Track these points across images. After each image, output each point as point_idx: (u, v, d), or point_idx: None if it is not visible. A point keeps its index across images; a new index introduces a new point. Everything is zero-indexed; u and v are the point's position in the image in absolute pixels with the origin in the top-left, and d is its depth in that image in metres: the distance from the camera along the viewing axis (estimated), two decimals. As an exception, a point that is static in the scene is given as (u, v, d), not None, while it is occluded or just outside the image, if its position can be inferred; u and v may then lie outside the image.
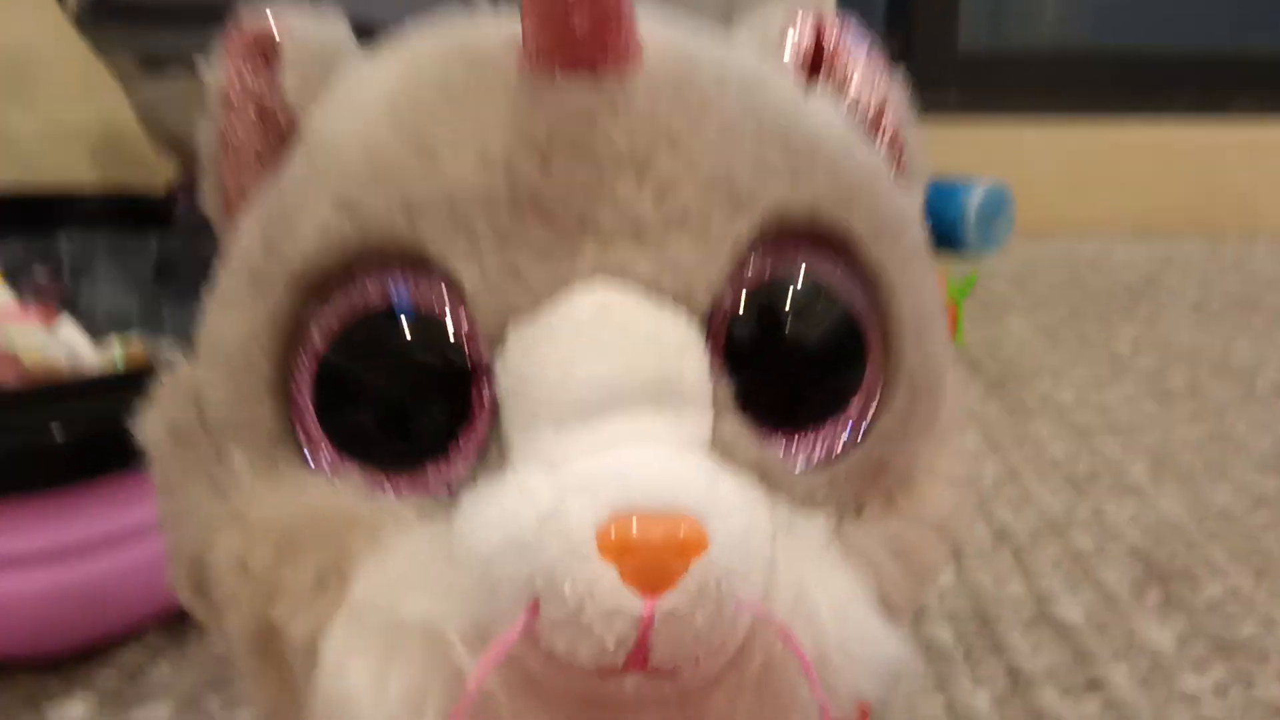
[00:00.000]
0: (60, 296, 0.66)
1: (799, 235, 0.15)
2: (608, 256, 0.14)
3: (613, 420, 0.13)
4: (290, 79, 0.17)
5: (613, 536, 0.12)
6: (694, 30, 0.17)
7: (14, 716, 0.32)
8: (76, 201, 0.72)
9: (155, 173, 0.75)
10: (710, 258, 0.14)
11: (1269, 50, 1.31)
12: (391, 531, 0.14)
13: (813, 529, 0.15)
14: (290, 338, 0.15)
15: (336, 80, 0.17)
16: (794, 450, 0.15)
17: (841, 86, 0.18)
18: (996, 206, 1.05)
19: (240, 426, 0.15)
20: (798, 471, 0.15)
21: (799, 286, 0.15)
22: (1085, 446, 0.54)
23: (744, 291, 0.15)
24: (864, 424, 0.16)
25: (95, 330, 0.54)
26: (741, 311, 0.15)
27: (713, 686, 0.13)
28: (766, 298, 0.15)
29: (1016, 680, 0.34)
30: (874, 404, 0.16)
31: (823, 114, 0.17)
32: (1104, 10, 1.38)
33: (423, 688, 0.13)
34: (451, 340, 0.14)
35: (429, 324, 0.14)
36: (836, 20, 0.19)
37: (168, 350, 0.55)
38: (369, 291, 0.14)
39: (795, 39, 0.19)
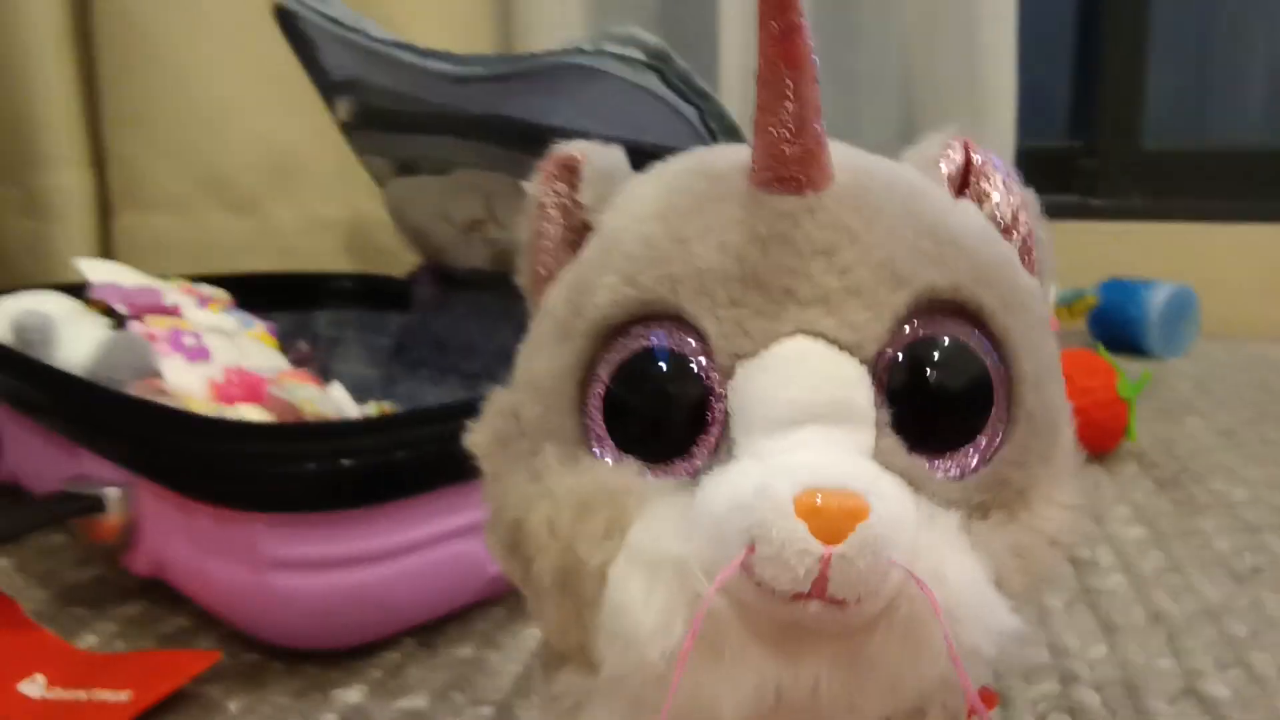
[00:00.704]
0: (317, 365, 0.77)
1: (946, 306, 0.21)
2: (804, 317, 0.20)
3: (804, 430, 0.20)
4: (587, 192, 0.24)
5: (804, 502, 0.18)
6: (870, 155, 0.24)
7: (304, 696, 0.40)
8: (331, 284, 0.84)
9: (398, 260, 0.86)
10: (876, 320, 0.20)
11: None
12: (655, 500, 0.20)
13: (948, 521, 0.20)
14: (587, 371, 0.21)
15: (619, 192, 0.24)
16: (935, 466, 0.21)
17: (983, 197, 0.24)
18: (1182, 309, 1.05)
19: (551, 432, 0.22)
20: (937, 480, 0.21)
21: (943, 344, 0.21)
22: (1252, 542, 0.56)
23: (902, 346, 0.21)
24: (990, 451, 0.21)
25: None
26: (900, 360, 0.21)
27: (870, 628, 0.19)
28: (918, 351, 0.21)
29: (1158, 741, 0.37)
30: (999, 437, 0.21)
31: (967, 216, 0.23)
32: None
33: (674, 603, 0.19)
34: (696, 373, 0.21)
35: (682, 362, 0.21)
36: (981, 148, 0.25)
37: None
38: (642, 339, 0.21)
39: (949, 159, 0.25)
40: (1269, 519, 0.59)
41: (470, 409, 0.45)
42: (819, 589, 0.18)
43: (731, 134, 0.54)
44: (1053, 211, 1.02)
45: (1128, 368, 0.71)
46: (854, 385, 0.20)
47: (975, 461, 0.21)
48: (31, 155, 0.90)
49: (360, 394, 0.71)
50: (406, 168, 0.77)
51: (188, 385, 0.56)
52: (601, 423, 0.22)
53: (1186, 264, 1.15)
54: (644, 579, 0.19)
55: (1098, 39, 1.29)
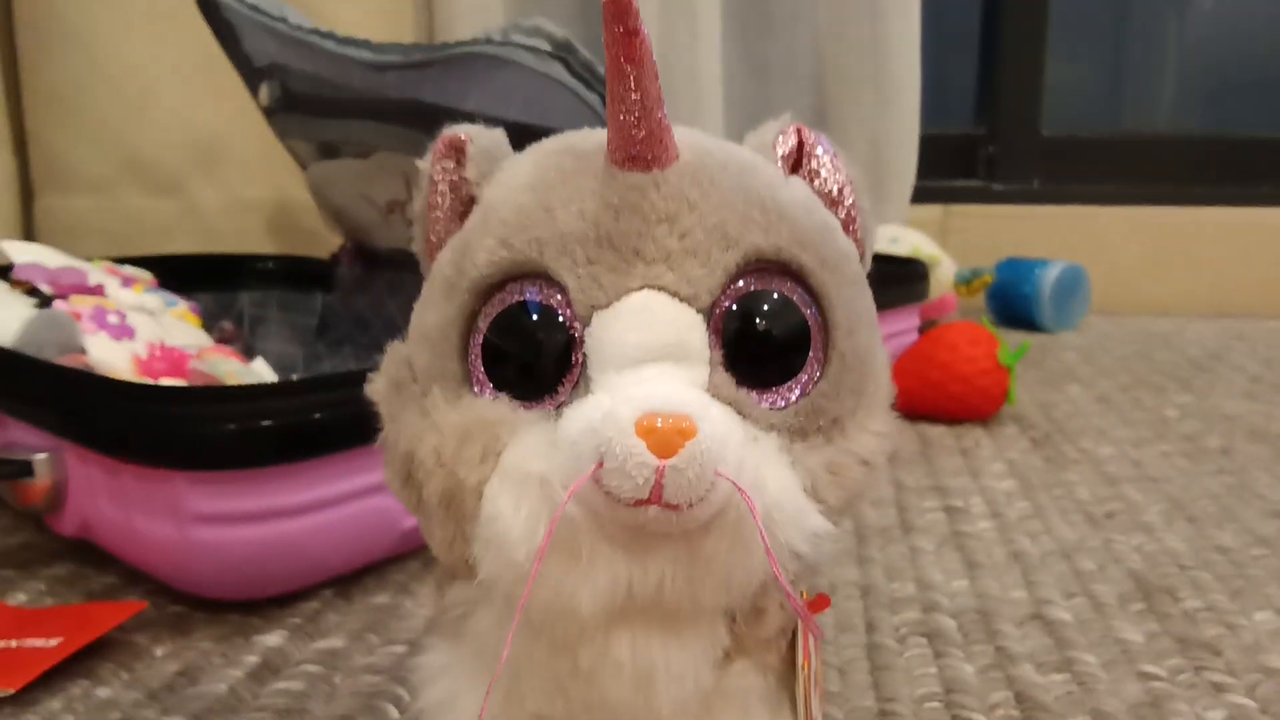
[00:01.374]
0: (242, 344, 0.79)
1: (771, 265, 0.25)
2: (650, 273, 0.24)
3: (649, 368, 0.23)
4: (472, 168, 0.27)
5: (643, 424, 0.21)
6: (712, 138, 0.27)
7: (227, 640, 0.43)
8: (255, 264, 0.86)
9: (321, 241, 0.88)
10: (710, 275, 0.24)
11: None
12: (524, 428, 0.23)
13: (769, 442, 0.24)
14: (469, 323, 0.25)
15: (499, 168, 0.27)
16: (760, 398, 0.24)
17: (813, 175, 0.28)
18: (1072, 286, 1.12)
19: (438, 376, 0.25)
20: (762, 409, 0.24)
21: (768, 296, 0.25)
22: (1111, 492, 0.61)
23: (734, 297, 0.24)
24: (809, 386, 0.25)
25: (274, 367, 0.65)
26: (731, 309, 0.24)
27: (705, 531, 0.22)
28: (747, 302, 0.24)
29: (1002, 658, 0.42)
30: (817, 374, 0.25)
31: (793, 190, 0.27)
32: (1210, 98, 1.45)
33: (538, 512, 0.22)
34: (561, 322, 0.24)
35: (548, 312, 0.24)
36: (813, 133, 0.29)
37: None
38: (516, 294, 0.25)
39: (783, 142, 0.28)
40: (1129, 472, 0.65)
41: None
42: (656, 495, 0.22)
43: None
44: (956, 195, 1.11)
45: (1012, 339, 0.76)
46: (690, 330, 0.24)
47: (796, 395, 0.25)
48: (-50, 139, 0.91)
49: (285, 371, 0.73)
50: (328, 151, 0.79)
51: (112, 360, 0.58)
52: (481, 367, 0.25)
53: (1081, 245, 1.22)
54: (513, 493, 0.23)
55: (1000, 30, 1.35)
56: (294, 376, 0.77)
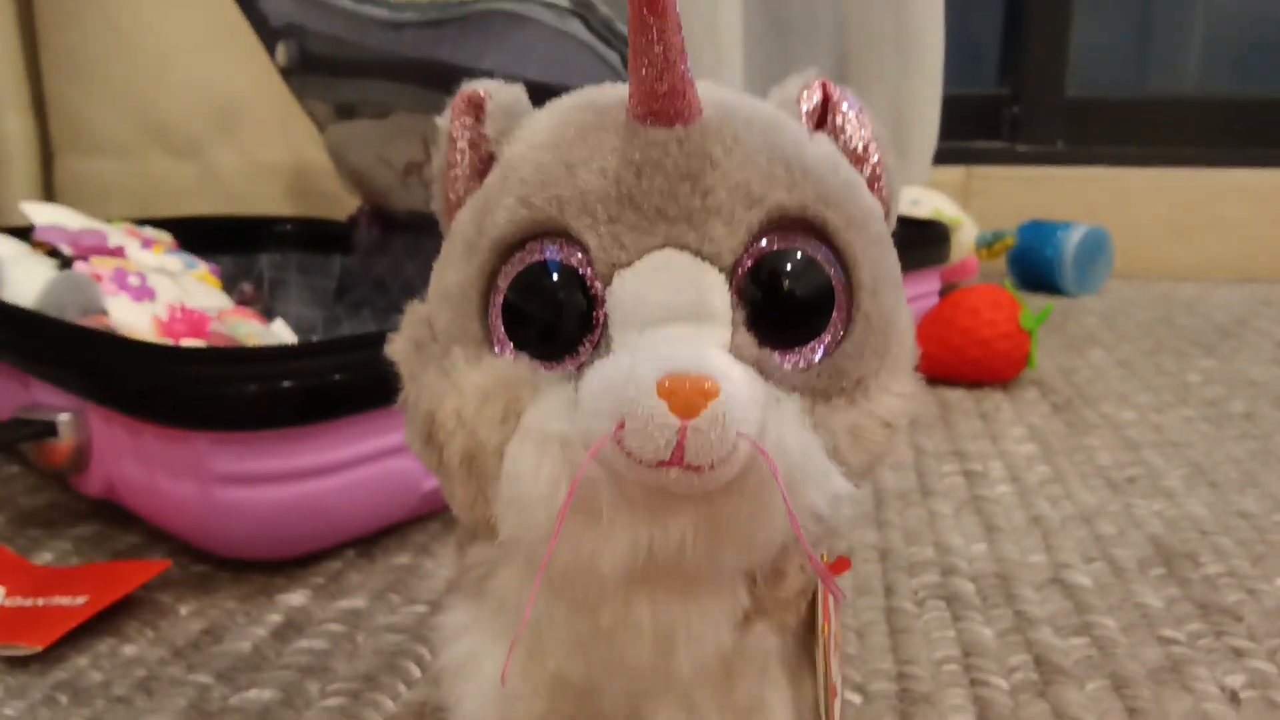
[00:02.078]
0: (262, 306, 0.80)
1: (795, 224, 0.24)
2: (672, 232, 0.23)
3: (670, 327, 0.23)
4: (491, 125, 0.27)
5: (665, 385, 0.21)
6: (735, 93, 0.27)
7: (251, 600, 0.43)
8: (274, 227, 0.86)
9: (339, 204, 0.88)
10: (732, 235, 0.23)
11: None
12: (544, 389, 0.23)
13: (791, 403, 0.24)
14: (488, 281, 0.25)
15: (519, 125, 0.27)
16: (783, 359, 0.24)
17: (838, 131, 0.28)
18: (1095, 249, 1.10)
19: (459, 336, 0.25)
20: (784, 370, 0.24)
21: (792, 255, 0.24)
22: (1132, 457, 0.61)
23: (757, 256, 0.24)
24: (832, 347, 0.25)
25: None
26: (754, 268, 0.24)
27: (726, 492, 0.22)
28: (770, 261, 0.24)
29: (1021, 621, 0.42)
30: (840, 334, 0.25)
31: (819, 146, 0.26)
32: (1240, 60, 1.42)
33: (558, 472, 0.22)
34: (582, 281, 0.24)
35: (569, 272, 0.24)
36: (838, 88, 0.28)
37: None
38: (536, 253, 0.24)
39: (808, 98, 0.28)
40: (1150, 437, 0.64)
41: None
42: (678, 457, 0.22)
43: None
44: (979, 157, 1.09)
45: (1034, 303, 0.76)
46: (712, 289, 0.24)
47: (819, 356, 0.25)
48: (-30, 101, 0.91)
49: (304, 334, 0.73)
50: (346, 111, 0.78)
51: (133, 322, 0.59)
52: (501, 327, 0.25)
53: (1104, 208, 1.21)
54: (534, 453, 0.23)
55: (1025, -10, 1.32)
56: (313, 338, 0.77)
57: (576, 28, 0.57)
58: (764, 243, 0.24)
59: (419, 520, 0.51)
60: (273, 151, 0.98)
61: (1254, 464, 0.60)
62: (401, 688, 0.37)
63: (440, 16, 0.63)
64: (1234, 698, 0.36)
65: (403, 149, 0.75)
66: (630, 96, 0.24)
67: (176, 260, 0.68)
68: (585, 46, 0.58)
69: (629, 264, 0.24)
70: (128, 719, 0.35)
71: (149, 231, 0.70)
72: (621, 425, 0.21)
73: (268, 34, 0.77)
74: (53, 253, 0.64)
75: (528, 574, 0.25)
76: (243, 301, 0.80)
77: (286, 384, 0.43)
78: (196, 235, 0.75)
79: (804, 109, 0.27)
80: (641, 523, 0.23)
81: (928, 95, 1.13)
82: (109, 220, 0.70)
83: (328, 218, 0.88)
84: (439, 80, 0.68)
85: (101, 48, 0.90)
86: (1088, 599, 0.43)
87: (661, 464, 0.22)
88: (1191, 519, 0.52)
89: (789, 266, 0.25)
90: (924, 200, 1.04)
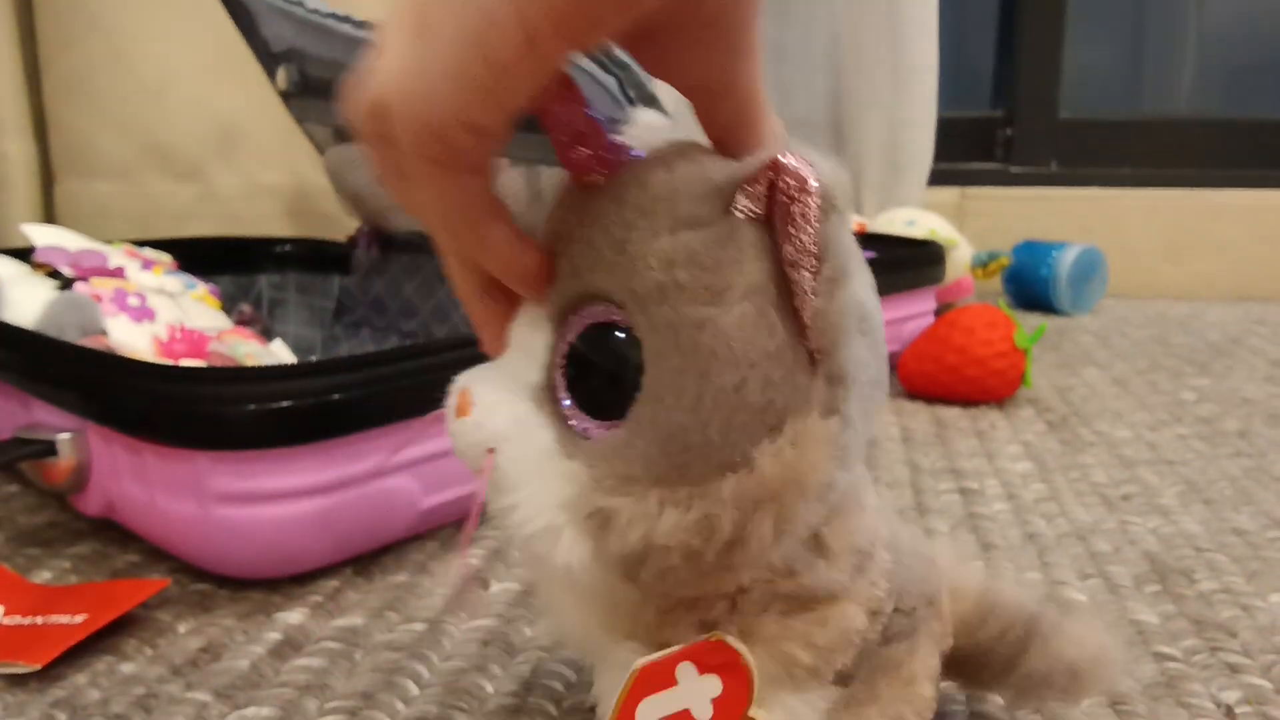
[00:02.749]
0: (261, 326, 0.80)
1: (604, 303, 0.25)
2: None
3: (509, 354, 0.27)
4: None
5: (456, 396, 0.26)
6: (667, 155, 0.26)
7: (249, 618, 0.44)
8: (273, 248, 0.86)
9: (338, 225, 0.88)
10: (561, 298, 0.26)
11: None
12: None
13: (544, 436, 0.25)
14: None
15: None
16: (567, 409, 0.26)
17: (778, 230, 0.24)
18: (1089, 268, 1.11)
19: None
20: (564, 413, 0.26)
21: (590, 332, 0.26)
22: (1127, 474, 0.61)
23: (576, 324, 0.26)
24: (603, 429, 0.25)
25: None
26: (568, 333, 0.26)
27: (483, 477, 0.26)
28: (581, 332, 0.26)
29: (1017, 638, 0.42)
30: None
31: (679, 240, 0.24)
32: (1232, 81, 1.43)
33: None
34: None
35: None
36: (800, 178, 0.24)
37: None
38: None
39: (758, 182, 0.25)
40: (1145, 454, 0.65)
41: (397, 357, 0.49)
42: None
43: (649, 102, 0.57)
44: (973, 178, 1.10)
45: (1029, 322, 0.76)
46: (538, 331, 0.27)
47: (593, 429, 0.25)
48: (-28, 124, 0.91)
49: (303, 353, 0.73)
50: (345, 134, 0.79)
51: (133, 342, 0.59)
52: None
53: (1098, 228, 1.22)
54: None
55: (1019, 14, 1.34)
56: (312, 358, 0.77)
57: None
58: (581, 315, 0.26)
59: (417, 539, 0.51)
60: (272, 173, 0.98)
61: (1248, 481, 0.60)
62: (400, 705, 0.37)
63: (439, 40, 0.64)
64: (1229, 713, 0.36)
65: (401, 171, 0.75)
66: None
67: (176, 281, 0.69)
68: (582, 71, 0.59)
69: None
70: (126, 737, 0.35)
71: (149, 252, 0.71)
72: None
73: (268, 59, 0.78)
74: (53, 274, 0.64)
75: None
76: (242, 322, 0.80)
77: (285, 404, 0.43)
78: (196, 256, 0.76)
79: (743, 200, 0.24)
80: None
81: (922, 118, 1.14)
82: (109, 241, 0.70)
83: (326, 239, 0.89)
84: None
85: (102, 71, 0.90)
86: (1084, 616, 0.44)
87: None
88: (1186, 536, 0.52)
89: (584, 340, 0.26)
90: (919, 221, 1.05)
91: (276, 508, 0.44)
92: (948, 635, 0.32)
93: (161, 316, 0.63)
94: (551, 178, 0.27)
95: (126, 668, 0.39)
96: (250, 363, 0.58)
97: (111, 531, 0.50)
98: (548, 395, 0.26)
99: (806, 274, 0.23)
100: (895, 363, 0.76)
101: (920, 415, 0.71)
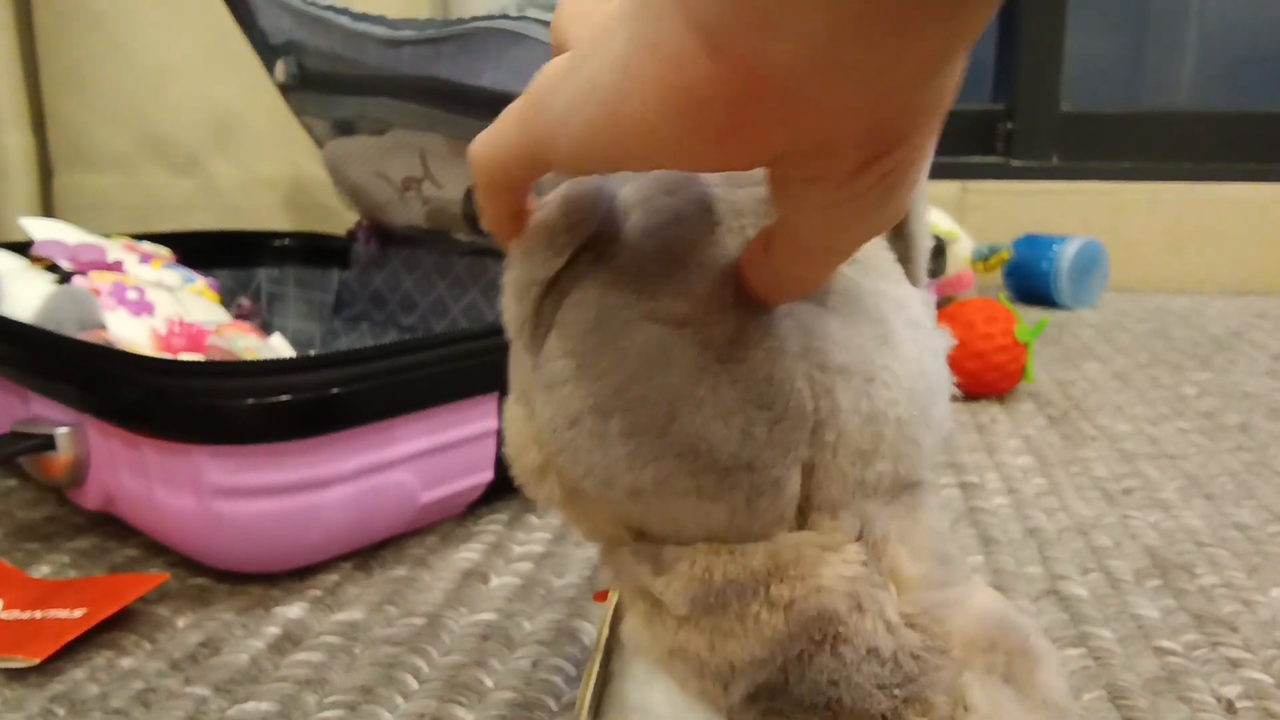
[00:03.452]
0: (259, 320, 0.80)
1: None
2: None
3: None
4: None
5: None
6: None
7: (248, 612, 0.43)
8: (272, 241, 0.86)
9: (338, 218, 0.88)
10: None
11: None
12: None
13: None
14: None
15: None
16: None
17: None
18: (1090, 262, 1.11)
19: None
20: None
21: None
22: (1128, 469, 0.61)
23: None
24: None
25: (295, 341, 0.65)
26: None
27: None
28: None
29: (1018, 632, 0.42)
30: None
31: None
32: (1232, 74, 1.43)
33: None
34: None
35: None
36: None
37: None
38: None
39: None
40: (1146, 449, 0.64)
41: (395, 351, 0.49)
42: None
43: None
44: (974, 172, 1.09)
45: (1030, 316, 0.76)
46: None
47: None
48: (-30, 117, 0.91)
49: (302, 347, 0.73)
50: (344, 128, 0.79)
51: (131, 336, 0.59)
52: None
53: (1099, 221, 1.21)
54: None
55: (1020, 7, 1.33)
56: (311, 352, 0.77)
57: (573, 44, 0.58)
58: None
59: (416, 533, 0.51)
60: (271, 166, 0.98)
61: (1249, 476, 0.60)
62: (399, 700, 0.37)
63: (438, 34, 0.63)
64: (1230, 708, 0.36)
65: (400, 165, 0.75)
66: None
67: (174, 275, 0.69)
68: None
69: None
70: (125, 732, 0.35)
71: (147, 246, 0.71)
72: None
73: (267, 51, 0.78)
74: (51, 267, 0.64)
75: None
76: (240, 315, 0.80)
77: (284, 397, 0.43)
78: (195, 250, 0.75)
79: None
80: None
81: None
82: (107, 235, 0.70)
83: (326, 232, 0.89)
84: (437, 97, 0.69)
85: (101, 64, 0.90)
86: (1084, 610, 0.43)
87: None
88: (1187, 530, 0.52)
89: None
90: (920, 214, 1.04)
91: (275, 502, 0.44)
92: None
93: (160, 310, 0.62)
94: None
95: (125, 662, 0.39)
96: (249, 357, 0.58)
97: (110, 526, 0.50)
98: None
99: None
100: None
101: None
